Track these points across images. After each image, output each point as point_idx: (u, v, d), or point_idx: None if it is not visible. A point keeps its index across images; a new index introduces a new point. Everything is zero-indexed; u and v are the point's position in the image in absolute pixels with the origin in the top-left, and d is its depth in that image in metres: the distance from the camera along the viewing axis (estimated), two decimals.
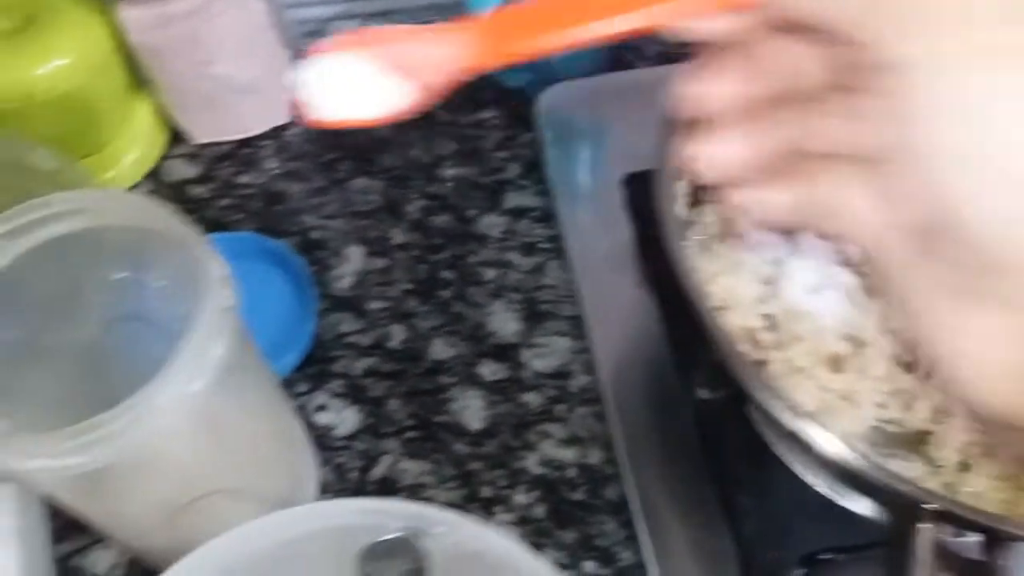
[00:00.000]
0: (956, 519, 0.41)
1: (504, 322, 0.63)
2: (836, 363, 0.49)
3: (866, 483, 0.42)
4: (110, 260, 0.46)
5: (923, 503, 0.41)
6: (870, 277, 0.52)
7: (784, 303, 0.51)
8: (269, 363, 0.58)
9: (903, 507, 0.41)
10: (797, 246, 0.53)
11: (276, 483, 0.52)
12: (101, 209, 0.43)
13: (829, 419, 0.47)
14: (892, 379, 0.49)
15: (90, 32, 0.63)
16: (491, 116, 0.75)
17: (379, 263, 0.66)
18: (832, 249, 0.53)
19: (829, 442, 0.43)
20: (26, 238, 0.42)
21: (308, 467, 0.55)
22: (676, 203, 0.54)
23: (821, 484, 0.54)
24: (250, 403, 0.47)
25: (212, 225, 0.67)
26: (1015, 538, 0.44)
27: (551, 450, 0.58)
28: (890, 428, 0.49)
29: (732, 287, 0.51)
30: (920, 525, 0.41)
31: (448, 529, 0.40)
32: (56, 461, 0.35)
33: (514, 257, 0.67)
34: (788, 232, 0.53)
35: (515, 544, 0.40)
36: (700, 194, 0.56)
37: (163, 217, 0.42)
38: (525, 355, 0.62)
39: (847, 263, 0.53)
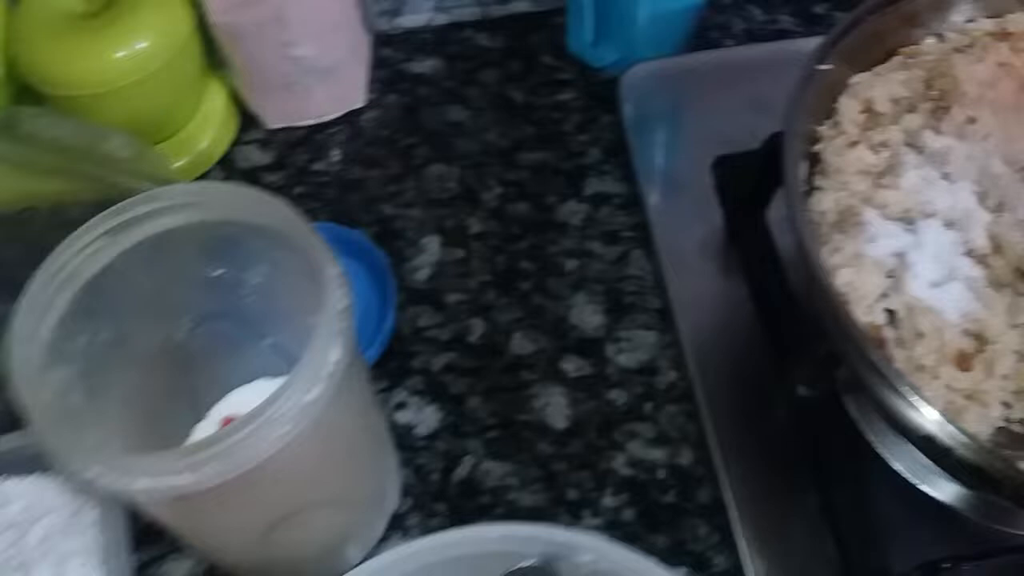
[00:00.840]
0: None
1: (586, 315, 0.61)
2: (962, 360, 0.46)
3: (1008, 481, 0.39)
4: (209, 256, 0.45)
5: None
6: (996, 269, 0.48)
7: (906, 298, 0.47)
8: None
9: None
10: (920, 237, 0.49)
11: (367, 489, 0.50)
12: (213, 202, 0.41)
13: (956, 419, 0.44)
14: (1019, 377, 0.45)
15: (171, 13, 0.61)
16: (571, 98, 0.71)
17: (457, 253, 0.64)
18: (956, 240, 0.49)
19: (961, 441, 0.40)
20: (128, 234, 0.41)
21: (393, 471, 0.54)
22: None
23: (929, 487, 0.51)
24: (355, 407, 0.45)
25: None
26: None
27: (639, 450, 0.56)
28: (1016, 429, 0.45)
29: (852, 280, 0.48)
30: None
31: (596, 557, 0.38)
32: (164, 481, 0.34)
33: (596, 246, 0.64)
34: (910, 222, 0.50)
35: (655, 566, 0.37)
36: (817, 179, 0.52)
37: (280, 212, 0.40)
38: (609, 350, 0.59)
39: (972, 254, 0.49)
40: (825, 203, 0.50)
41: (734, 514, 0.52)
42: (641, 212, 0.64)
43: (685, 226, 0.63)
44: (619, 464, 0.55)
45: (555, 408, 0.57)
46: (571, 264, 0.63)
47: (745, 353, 0.58)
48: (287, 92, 0.67)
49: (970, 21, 0.56)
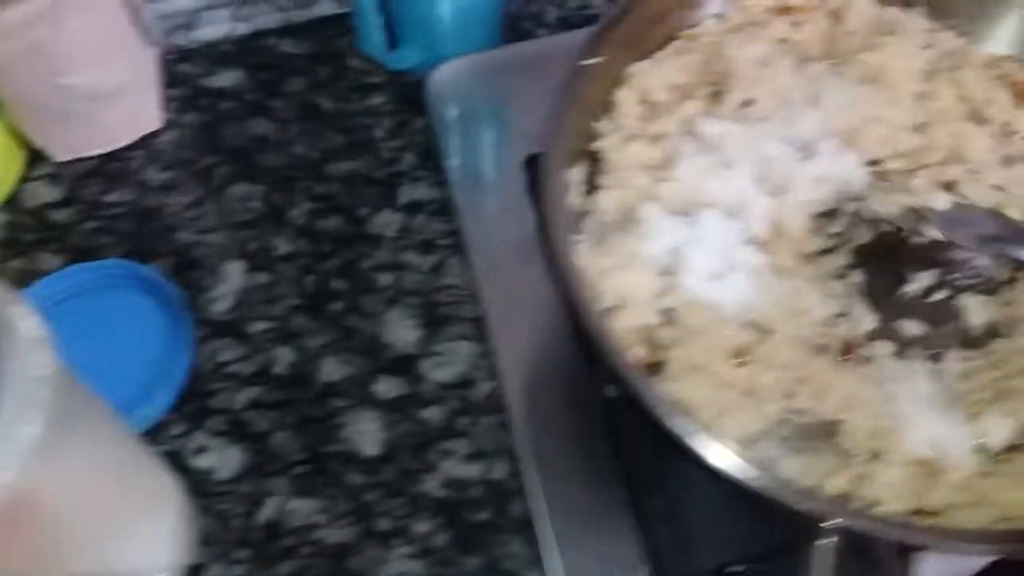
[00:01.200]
0: (856, 535, 0.37)
1: (401, 331, 0.58)
2: (739, 353, 0.45)
3: (761, 501, 0.38)
4: None
5: (822, 521, 0.37)
6: (777, 255, 0.47)
7: (684, 294, 0.46)
8: (137, 409, 0.53)
9: (800, 526, 0.37)
10: (698, 229, 0.48)
11: (142, 551, 0.47)
12: None
13: (730, 419, 0.42)
14: (800, 366, 0.44)
15: None
16: (382, 102, 0.68)
17: (261, 278, 0.60)
18: (737, 229, 0.48)
19: (721, 456, 0.38)
20: None
21: (179, 526, 0.50)
22: (568, 192, 0.48)
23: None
24: (92, 475, 0.41)
25: (77, 253, 0.61)
26: (916, 548, 0.40)
27: (454, 468, 0.53)
28: (799, 419, 0.44)
29: (627, 283, 0.46)
30: (819, 543, 0.37)
31: None
32: None
33: (411, 257, 0.61)
34: (689, 214, 0.48)
35: None
36: (597, 179, 0.50)
37: None
38: (425, 366, 0.57)
39: (752, 242, 0.47)
40: (606, 203, 0.48)
41: (545, 527, 0.50)
42: (457, 218, 0.62)
43: (500, 230, 0.61)
44: (433, 486, 0.53)
45: (367, 434, 0.54)
46: (385, 279, 0.60)
47: (561, 359, 0.56)
48: (67, 122, 0.62)
49: None
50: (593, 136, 0.49)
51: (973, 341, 0.47)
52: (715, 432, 0.39)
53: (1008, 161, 0.50)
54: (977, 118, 0.51)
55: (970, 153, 0.49)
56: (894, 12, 0.54)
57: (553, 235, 0.42)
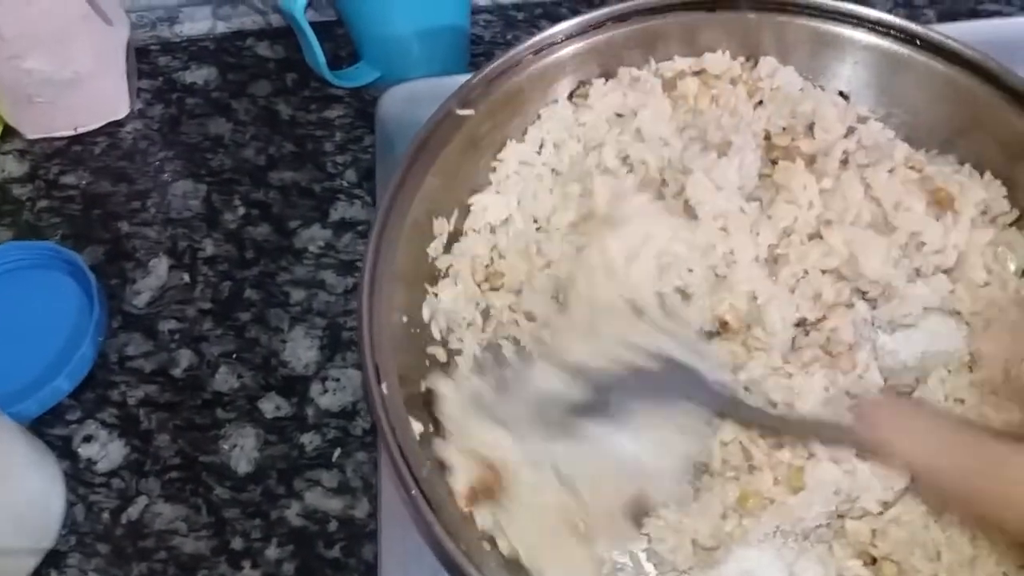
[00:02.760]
0: None
1: (301, 350, 0.58)
2: None
3: None
4: None
5: None
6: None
7: None
8: (38, 389, 0.55)
9: None
10: None
11: (9, 528, 0.49)
12: None
13: None
14: None
15: None
16: (339, 115, 0.68)
17: (183, 278, 0.62)
18: None
19: None
20: None
21: (50, 510, 0.52)
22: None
23: None
24: None
25: (24, 229, 0.64)
26: None
27: (317, 500, 0.53)
28: None
29: None
30: None
31: None
32: None
33: (329, 276, 0.61)
34: None
35: None
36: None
37: None
38: (314, 390, 0.57)
39: None
40: None
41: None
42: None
43: None
44: (292, 514, 0.53)
45: (243, 451, 0.55)
46: (298, 295, 0.61)
47: None
48: (32, 104, 0.65)
49: None
50: None
51: None
52: None
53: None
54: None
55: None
56: None
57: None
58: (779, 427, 0.45)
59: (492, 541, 0.43)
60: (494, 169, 0.55)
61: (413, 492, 0.40)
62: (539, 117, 0.56)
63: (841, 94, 0.55)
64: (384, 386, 0.41)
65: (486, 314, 0.50)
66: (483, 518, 0.43)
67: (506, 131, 0.55)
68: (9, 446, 0.51)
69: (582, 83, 0.56)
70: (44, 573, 0.52)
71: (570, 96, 0.56)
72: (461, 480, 0.43)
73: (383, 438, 0.41)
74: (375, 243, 0.46)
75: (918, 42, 0.53)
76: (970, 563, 0.43)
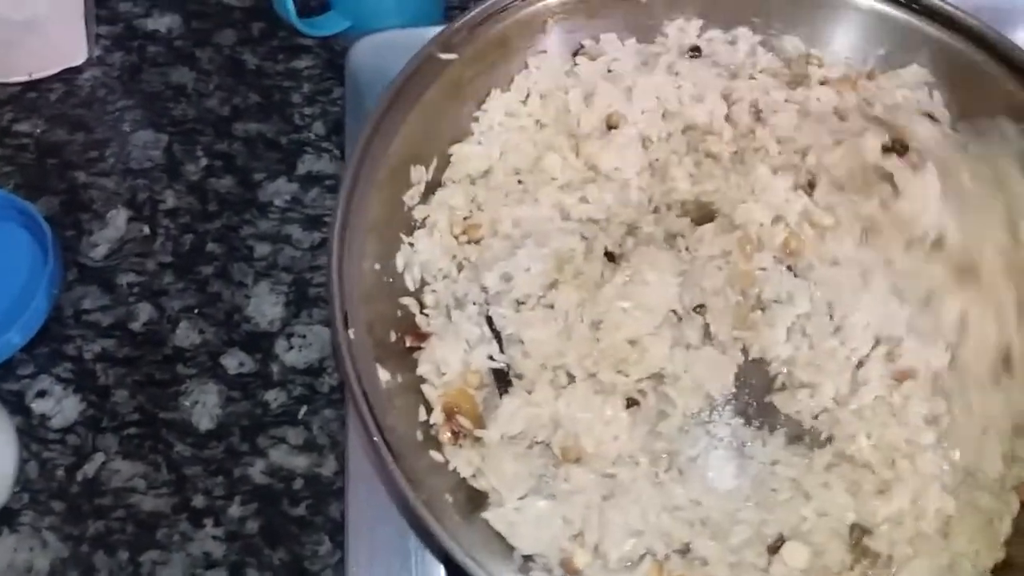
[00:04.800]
0: None
1: (266, 306, 0.57)
2: None
3: None
4: None
5: None
6: None
7: None
8: None
9: None
10: None
11: None
12: None
13: None
14: None
15: None
16: (307, 66, 0.66)
17: (142, 230, 0.59)
18: None
19: None
20: None
21: (6, 468, 0.50)
22: None
23: None
24: None
25: None
26: None
27: (281, 457, 0.52)
28: None
29: None
30: None
31: None
32: None
33: (295, 231, 0.59)
34: None
35: None
36: None
37: None
38: (280, 346, 0.55)
39: None
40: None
41: (358, 534, 0.49)
42: None
43: None
44: (256, 471, 0.52)
45: (205, 407, 0.53)
46: (263, 249, 0.59)
47: None
48: None
49: None
50: None
51: None
52: None
53: None
54: None
55: None
56: None
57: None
58: None
59: (455, 491, 0.42)
60: (477, 119, 0.54)
61: (376, 439, 0.38)
62: (526, 66, 0.54)
63: None
64: (351, 332, 0.40)
65: (460, 267, 0.48)
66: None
67: (490, 79, 0.53)
68: None
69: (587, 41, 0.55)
70: None
71: (575, 53, 0.55)
72: None
73: (348, 384, 0.40)
74: (349, 184, 0.44)
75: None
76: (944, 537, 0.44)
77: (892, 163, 0.48)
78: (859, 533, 0.44)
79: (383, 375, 0.42)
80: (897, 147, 0.49)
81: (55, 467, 0.52)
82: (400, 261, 0.47)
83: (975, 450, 0.45)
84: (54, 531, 0.50)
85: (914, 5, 0.53)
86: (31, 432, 0.53)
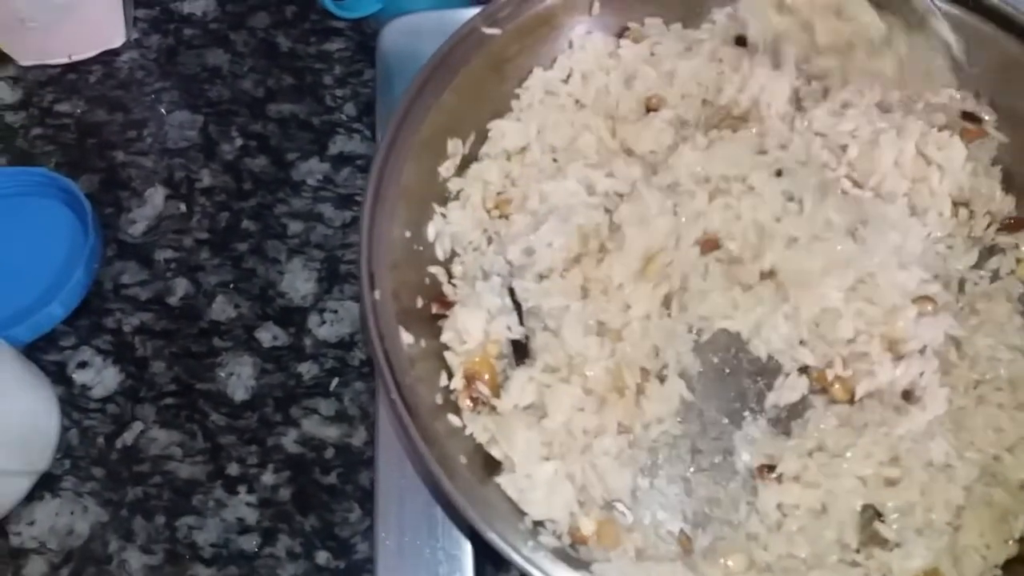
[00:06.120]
0: None
1: (299, 282, 0.58)
2: None
3: None
4: None
5: None
6: None
7: None
8: (32, 315, 0.55)
9: None
10: None
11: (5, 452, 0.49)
12: None
13: None
14: None
15: None
16: (339, 48, 0.67)
17: (179, 207, 0.61)
18: None
19: None
20: None
21: (47, 429, 0.52)
22: None
23: None
24: None
25: (17, 156, 0.63)
26: None
27: (313, 428, 0.53)
28: None
29: None
30: None
31: None
32: None
33: (327, 210, 0.61)
34: None
35: None
36: None
37: None
38: (312, 321, 0.57)
39: None
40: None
41: (388, 503, 0.50)
42: None
43: None
44: (289, 441, 0.53)
45: (239, 379, 0.55)
46: (296, 227, 0.60)
47: None
48: (25, 29, 0.64)
49: None
50: None
51: None
52: None
53: None
54: None
55: None
56: None
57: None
58: None
59: (471, 455, 0.43)
60: (517, 96, 0.54)
61: (393, 396, 0.39)
62: (571, 45, 0.55)
63: None
64: (376, 293, 0.41)
65: (490, 240, 0.49)
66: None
67: (532, 56, 0.54)
68: (1, 366, 0.50)
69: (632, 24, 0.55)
70: (39, 495, 0.52)
71: (619, 34, 0.55)
72: None
73: (369, 343, 0.41)
74: (384, 151, 0.45)
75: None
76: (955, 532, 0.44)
77: None
78: (871, 514, 0.45)
79: (406, 338, 0.43)
80: None
81: (95, 435, 0.54)
82: (432, 231, 0.48)
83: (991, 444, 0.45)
84: (94, 496, 0.52)
85: (969, 2, 0.51)
86: (72, 401, 0.54)
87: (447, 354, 0.47)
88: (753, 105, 0.51)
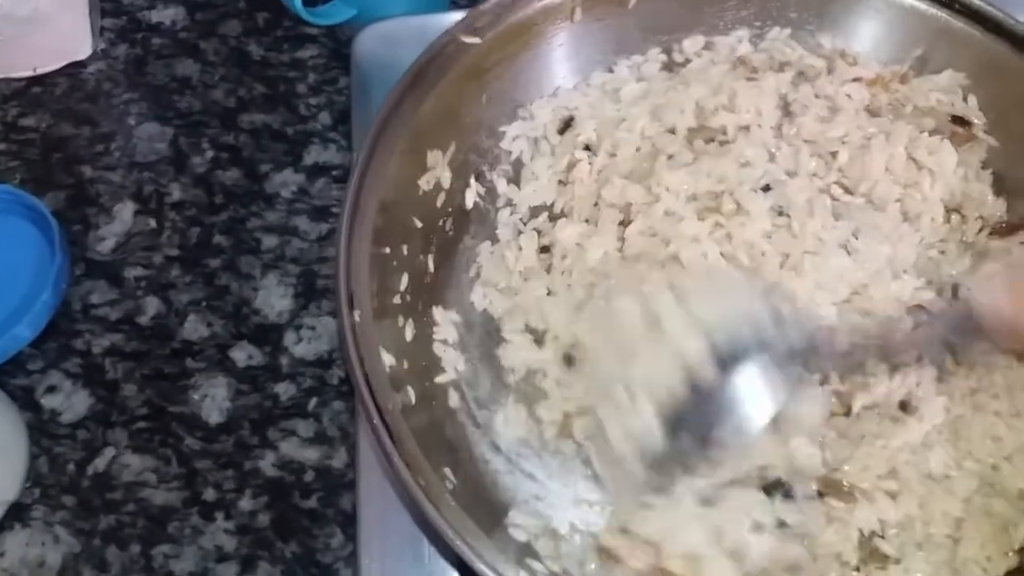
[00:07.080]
0: None
1: (274, 298, 0.56)
2: None
3: None
4: None
5: None
6: None
7: None
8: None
9: None
10: None
11: None
12: None
13: None
14: None
15: None
16: (313, 55, 0.66)
17: (149, 223, 0.59)
18: None
19: None
20: None
21: (13, 462, 0.50)
22: None
23: None
24: None
25: None
26: None
27: (292, 450, 0.52)
28: None
29: None
30: None
31: None
32: None
33: (302, 222, 0.59)
34: None
35: None
36: None
37: None
38: (289, 338, 0.55)
39: None
40: None
41: (370, 527, 0.48)
42: None
43: None
44: (267, 464, 0.51)
45: (214, 400, 0.53)
46: (270, 241, 0.58)
47: None
48: None
49: None
50: None
51: None
52: None
53: None
54: None
55: None
56: None
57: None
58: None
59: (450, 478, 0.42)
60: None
61: (375, 421, 0.38)
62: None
63: None
64: (356, 314, 0.40)
65: None
66: None
67: (512, 66, 0.52)
68: None
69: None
70: (8, 525, 0.50)
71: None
72: None
73: (350, 367, 0.39)
74: (362, 165, 0.43)
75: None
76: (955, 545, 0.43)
77: None
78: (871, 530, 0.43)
79: (387, 359, 0.41)
80: None
81: (65, 462, 0.52)
82: None
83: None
84: (65, 526, 0.50)
85: (955, 5, 0.50)
86: (41, 427, 0.52)
87: None
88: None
